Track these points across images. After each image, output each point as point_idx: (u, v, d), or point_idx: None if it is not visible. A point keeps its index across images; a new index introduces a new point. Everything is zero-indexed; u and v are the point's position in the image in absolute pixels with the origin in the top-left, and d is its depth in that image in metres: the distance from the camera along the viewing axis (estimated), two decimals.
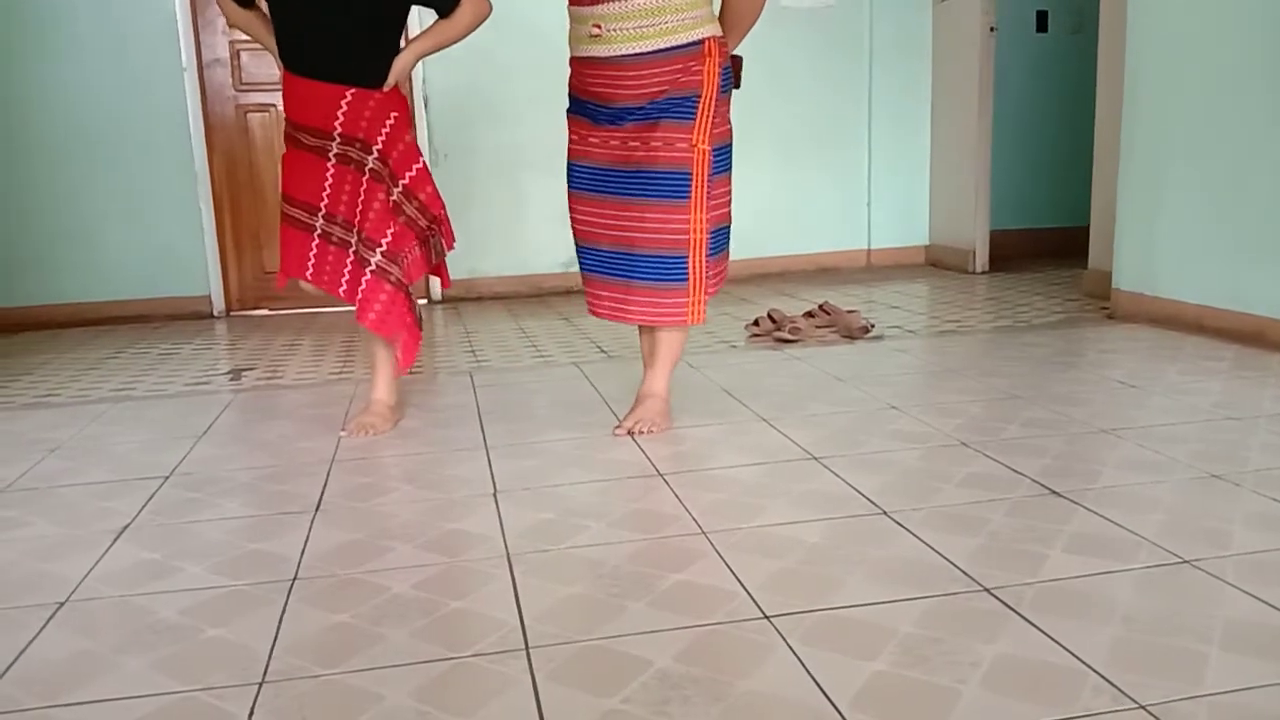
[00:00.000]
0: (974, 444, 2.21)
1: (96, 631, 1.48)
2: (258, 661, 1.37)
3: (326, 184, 2.39)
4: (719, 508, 1.88)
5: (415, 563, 1.69)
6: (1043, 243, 5.66)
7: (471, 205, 4.83)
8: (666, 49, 2.20)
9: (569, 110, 2.42)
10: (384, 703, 1.25)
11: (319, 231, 2.42)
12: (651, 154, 2.24)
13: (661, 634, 1.40)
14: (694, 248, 2.28)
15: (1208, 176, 3.25)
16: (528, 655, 1.35)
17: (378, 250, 2.39)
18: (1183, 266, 3.39)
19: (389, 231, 2.40)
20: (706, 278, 2.33)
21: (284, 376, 3.31)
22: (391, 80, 2.39)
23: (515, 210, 4.95)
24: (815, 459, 2.15)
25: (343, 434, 2.52)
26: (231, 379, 3.31)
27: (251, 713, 1.24)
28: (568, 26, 2.33)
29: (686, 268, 2.28)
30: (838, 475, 2.04)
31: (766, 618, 1.43)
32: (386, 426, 2.54)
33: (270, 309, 4.88)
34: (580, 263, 2.46)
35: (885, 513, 1.82)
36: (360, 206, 2.39)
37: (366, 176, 2.38)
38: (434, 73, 4.72)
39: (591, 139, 2.34)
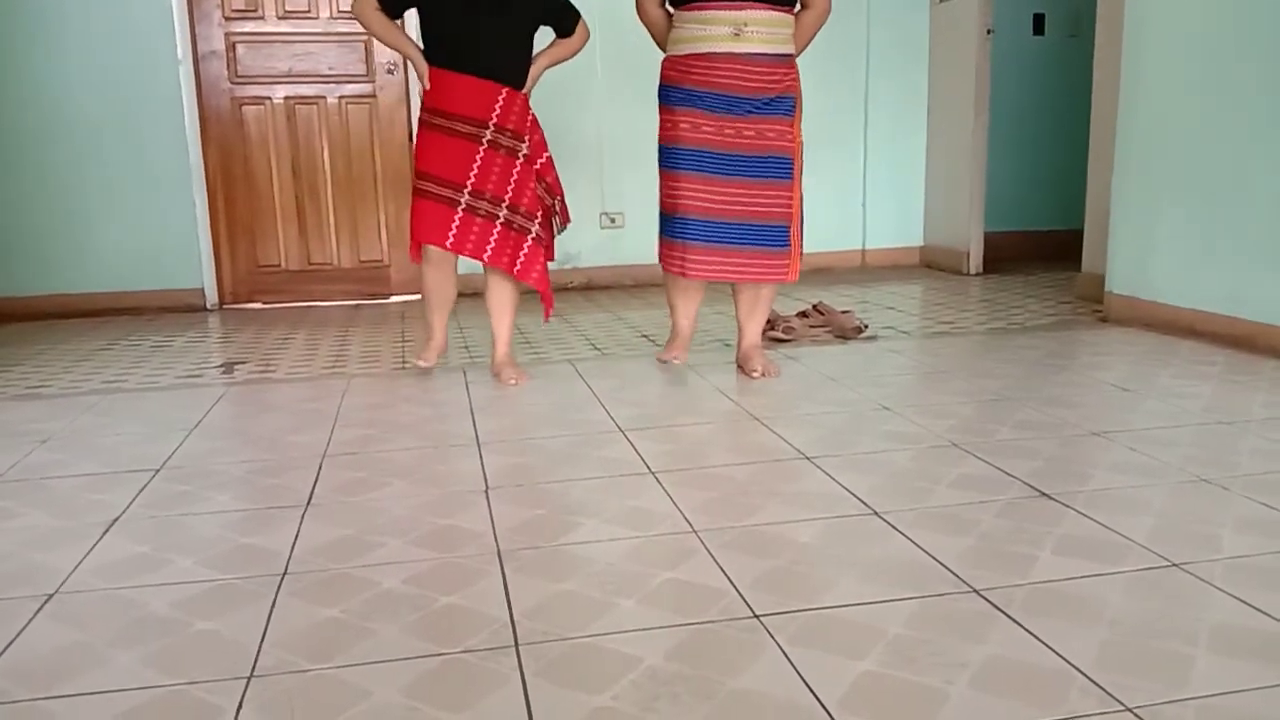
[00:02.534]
0: (965, 445, 2.22)
1: (86, 624, 1.48)
2: (247, 656, 1.37)
3: (475, 164, 2.79)
4: (711, 506, 1.89)
5: (406, 558, 1.69)
6: (1037, 245, 5.68)
7: None
8: (785, 54, 2.74)
9: (674, 101, 2.78)
10: (373, 698, 1.25)
11: (464, 206, 2.80)
12: (767, 143, 2.74)
13: (651, 632, 1.40)
14: (794, 219, 2.81)
15: (1202, 181, 3.26)
16: (517, 652, 1.35)
17: (535, 221, 2.84)
18: (1176, 271, 3.40)
19: (540, 208, 2.86)
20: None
21: (277, 370, 3.30)
22: (530, 84, 2.88)
23: None
24: (807, 459, 2.16)
25: (511, 383, 2.93)
26: (224, 372, 3.30)
27: (240, 707, 1.24)
28: (680, 27, 2.75)
29: (789, 235, 2.80)
30: (829, 475, 2.04)
31: (756, 617, 1.43)
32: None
33: (263, 302, 4.87)
34: (683, 233, 2.81)
35: (876, 513, 1.83)
36: (514, 185, 2.82)
37: (520, 161, 2.82)
38: None
39: (706, 127, 2.75)
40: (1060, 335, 3.46)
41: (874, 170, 5.46)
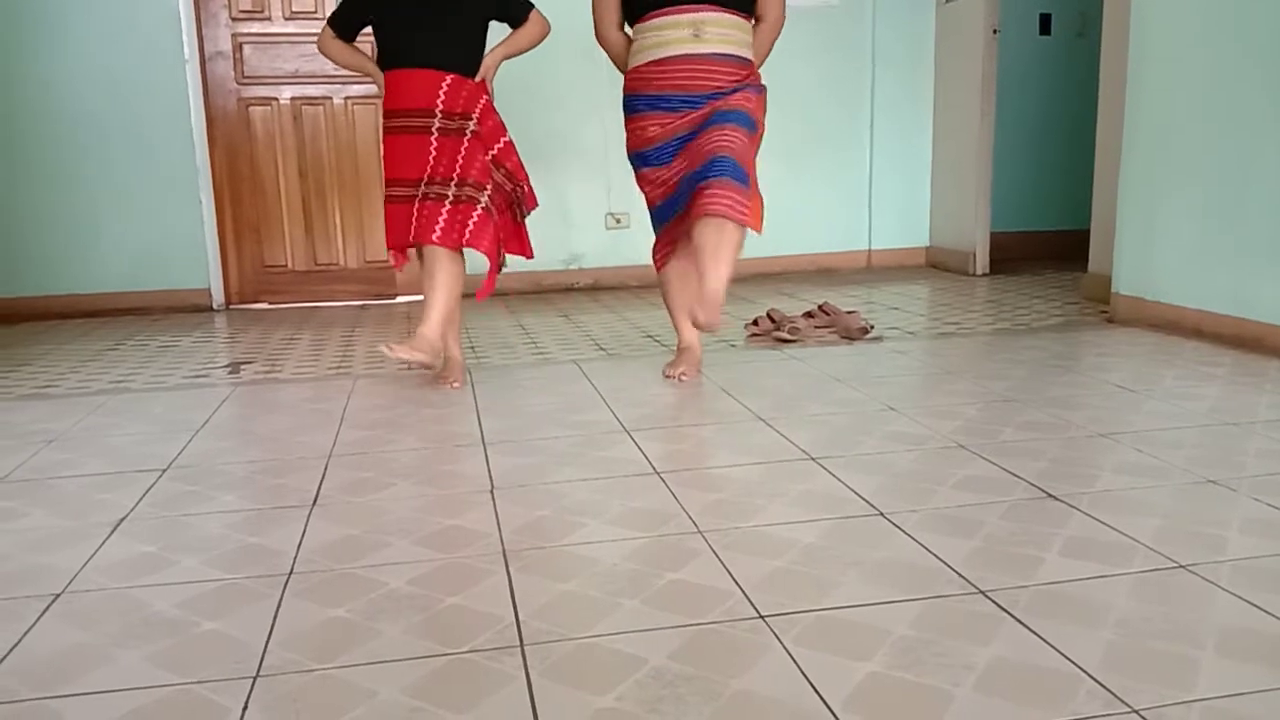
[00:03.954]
0: (971, 446, 2.21)
1: (92, 623, 1.48)
2: (252, 655, 1.37)
3: (430, 155, 2.81)
4: (716, 507, 1.88)
5: (411, 558, 1.69)
6: (1043, 246, 5.67)
7: None
8: (744, 58, 2.80)
9: (639, 109, 2.83)
10: (378, 698, 1.25)
11: (419, 195, 2.80)
12: (729, 104, 2.74)
13: (656, 632, 1.40)
14: (749, 165, 2.72)
15: (1209, 181, 3.25)
16: (522, 652, 1.35)
17: (484, 192, 2.80)
18: (1182, 271, 3.39)
19: (490, 180, 2.83)
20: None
21: (283, 370, 3.31)
22: (482, 72, 2.88)
23: None
24: (812, 459, 2.15)
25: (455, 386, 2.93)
26: (230, 372, 3.31)
27: (246, 706, 1.24)
28: (639, 39, 2.80)
29: (745, 173, 2.67)
30: (835, 476, 2.04)
31: (761, 617, 1.43)
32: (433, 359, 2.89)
33: (270, 302, 4.88)
34: (661, 219, 2.91)
35: (882, 514, 1.83)
36: (462, 161, 2.79)
37: (468, 138, 2.81)
38: None
39: (672, 125, 2.79)
40: (1066, 336, 3.45)
41: (879, 170, 5.45)
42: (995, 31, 4.91)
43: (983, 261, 5.13)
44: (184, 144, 4.62)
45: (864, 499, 1.91)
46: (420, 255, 2.87)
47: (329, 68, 4.73)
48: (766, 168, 5.12)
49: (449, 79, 2.81)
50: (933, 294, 4.58)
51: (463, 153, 2.80)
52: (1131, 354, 3.11)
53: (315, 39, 4.73)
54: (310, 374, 3.24)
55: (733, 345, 3.46)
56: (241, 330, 4.19)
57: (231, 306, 4.84)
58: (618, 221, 5.09)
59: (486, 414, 2.63)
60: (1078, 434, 2.29)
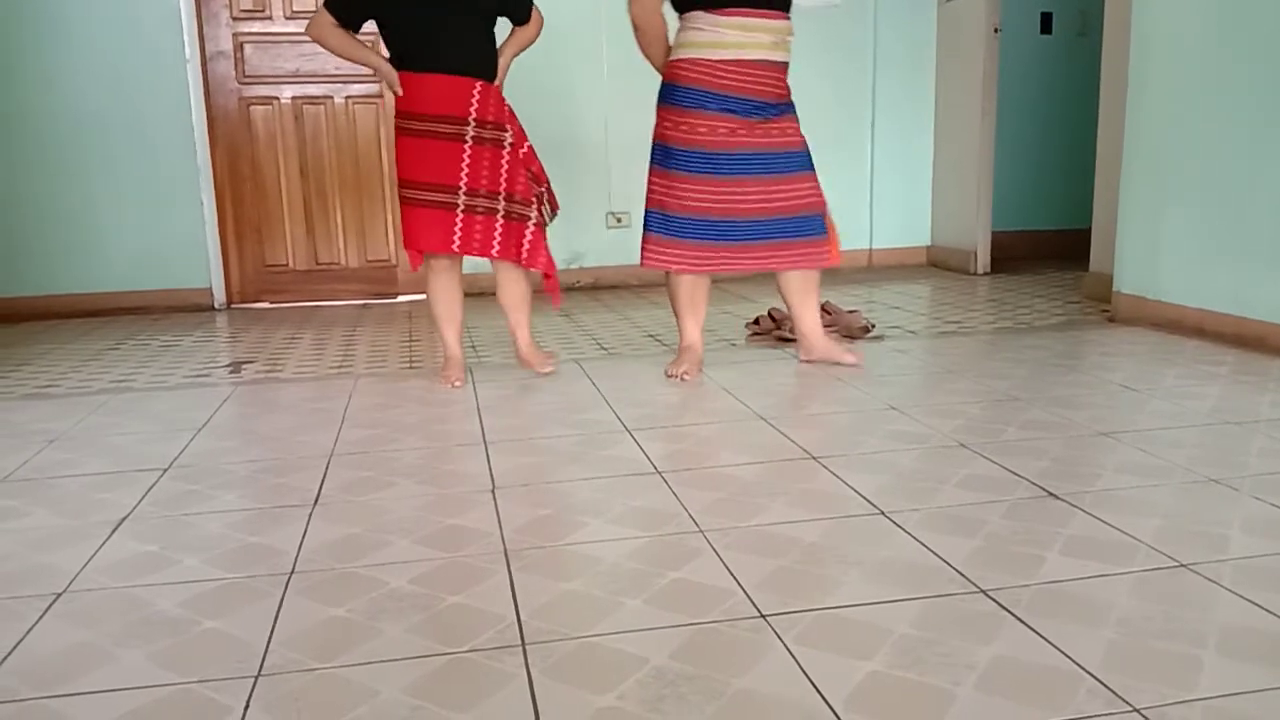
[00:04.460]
0: (973, 445, 2.21)
1: (94, 623, 1.48)
2: (254, 655, 1.37)
3: (464, 164, 2.79)
4: (717, 506, 1.88)
5: (413, 558, 1.69)
6: (1045, 245, 5.66)
7: None
8: (788, 63, 2.89)
9: (697, 104, 2.77)
10: (379, 697, 1.25)
11: (463, 206, 2.80)
12: (786, 139, 2.86)
13: (658, 631, 1.40)
14: (825, 205, 2.95)
15: (1210, 180, 3.25)
16: (524, 651, 1.35)
17: (532, 208, 2.85)
18: (1184, 270, 3.39)
19: (533, 194, 2.87)
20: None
21: (284, 370, 3.31)
22: (501, 76, 2.87)
23: None
24: (814, 458, 2.15)
25: (549, 369, 3.02)
26: (231, 372, 3.31)
27: (247, 706, 1.24)
28: (711, 31, 2.74)
29: (825, 222, 2.92)
30: (836, 475, 2.04)
31: (763, 616, 1.43)
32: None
33: (271, 302, 4.88)
34: (691, 232, 2.85)
35: (883, 513, 1.83)
36: (505, 176, 2.82)
37: (506, 150, 2.82)
38: None
39: (722, 128, 2.78)
40: (1068, 335, 3.45)
41: (881, 170, 5.45)
42: (996, 30, 4.90)
43: (984, 260, 5.13)
44: (185, 143, 4.63)
45: (865, 498, 1.90)
46: (431, 268, 2.93)
47: (330, 67, 4.73)
48: None
49: (479, 86, 2.78)
50: (934, 293, 4.58)
51: (505, 166, 2.82)
52: (1133, 353, 3.11)
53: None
54: (311, 373, 3.24)
55: (734, 344, 3.46)
56: (243, 330, 4.19)
57: (233, 306, 4.84)
58: (618, 221, 5.09)
59: (488, 413, 2.63)
60: (1079, 433, 2.28)
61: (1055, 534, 1.70)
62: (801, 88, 5.16)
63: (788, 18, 2.80)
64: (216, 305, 4.79)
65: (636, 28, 2.84)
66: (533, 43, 2.97)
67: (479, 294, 4.88)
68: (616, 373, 3.07)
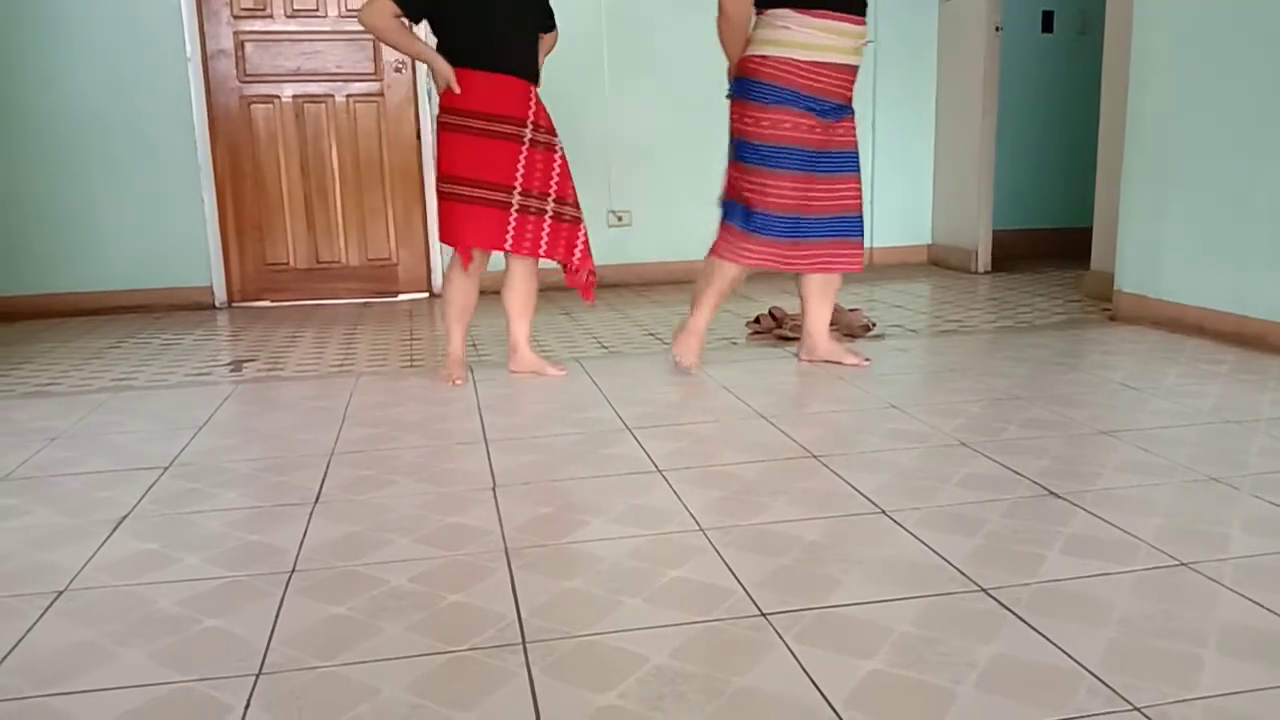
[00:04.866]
0: (973, 444, 2.21)
1: (94, 621, 1.48)
2: (255, 653, 1.37)
3: (519, 165, 2.82)
4: (718, 505, 1.88)
5: (413, 556, 1.69)
6: (1045, 243, 5.66)
7: None
8: (859, 67, 2.93)
9: (771, 100, 2.78)
10: (380, 695, 1.25)
11: (516, 206, 2.83)
12: (846, 139, 2.90)
13: (658, 630, 1.40)
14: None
15: (1211, 179, 3.25)
16: (524, 650, 1.35)
17: (580, 213, 2.94)
18: (1185, 269, 3.38)
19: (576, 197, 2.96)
20: None
21: (285, 368, 3.31)
22: (540, 80, 2.93)
23: None
24: (814, 457, 2.15)
25: (561, 372, 3.05)
26: (232, 370, 3.31)
27: (248, 704, 1.24)
28: (800, 33, 2.73)
29: (862, 224, 2.99)
30: (837, 474, 2.04)
31: (763, 615, 1.43)
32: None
33: (272, 300, 4.88)
34: (768, 228, 2.85)
35: (884, 512, 1.83)
36: (558, 180, 2.89)
37: (558, 155, 2.89)
38: None
39: (805, 125, 2.80)
40: (1068, 334, 3.45)
41: (882, 168, 5.45)
42: (997, 29, 4.90)
43: (984, 259, 5.13)
44: (186, 142, 4.63)
45: (866, 497, 1.91)
46: (458, 265, 2.94)
47: (331, 65, 4.73)
48: None
49: (533, 90, 2.84)
50: (934, 292, 4.58)
51: (557, 171, 2.87)
52: (1134, 351, 3.11)
53: (316, 36, 4.74)
54: (312, 372, 3.24)
55: (734, 343, 3.46)
56: (243, 328, 4.19)
57: (233, 304, 4.84)
58: (619, 220, 5.08)
59: (488, 411, 2.63)
60: (1080, 432, 2.28)
61: (1056, 533, 1.70)
62: None
63: (865, 23, 2.84)
64: (217, 304, 4.79)
65: (724, 14, 2.77)
66: (550, 52, 3.05)
67: (480, 292, 4.88)
68: (617, 371, 3.07)
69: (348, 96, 4.80)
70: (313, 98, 4.78)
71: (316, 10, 4.69)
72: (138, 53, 4.52)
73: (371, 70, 4.79)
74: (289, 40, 4.70)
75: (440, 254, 4.90)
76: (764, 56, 2.77)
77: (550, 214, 2.87)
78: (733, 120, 2.88)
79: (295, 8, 4.68)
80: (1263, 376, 2.74)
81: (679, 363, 3.01)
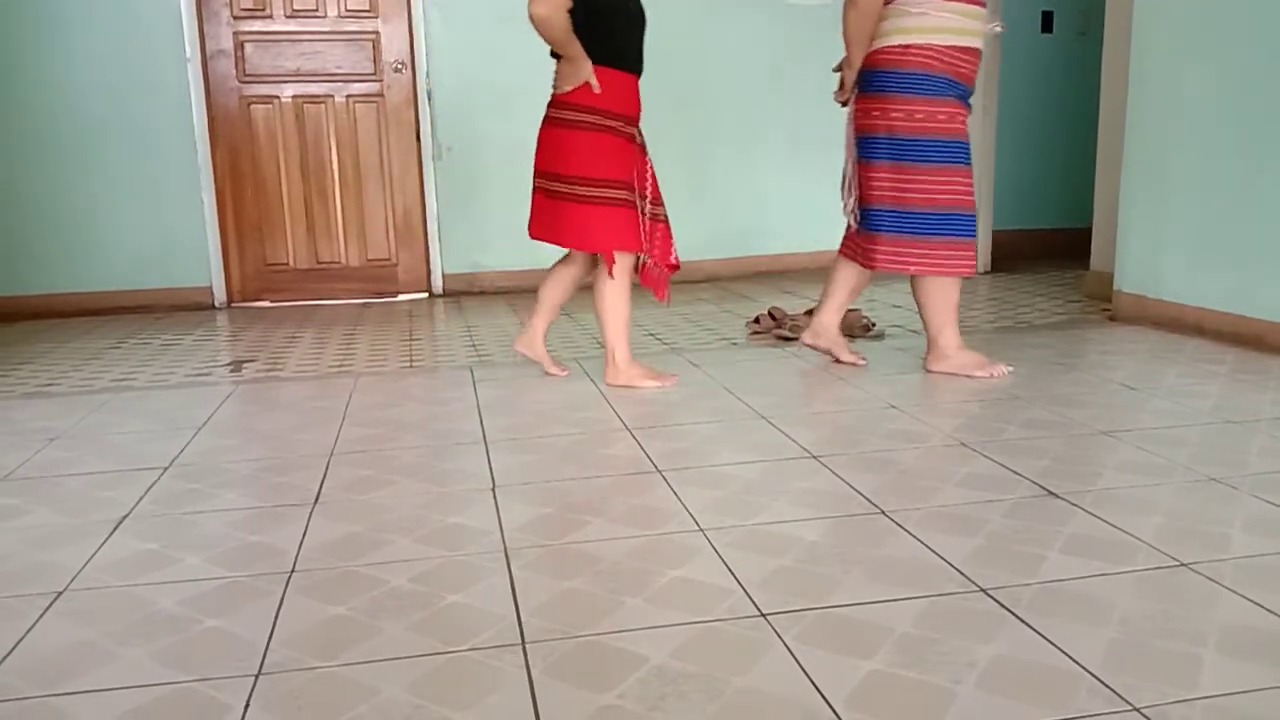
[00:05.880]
0: (973, 444, 2.21)
1: (94, 621, 1.48)
2: (255, 653, 1.37)
3: (635, 166, 2.79)
4: (717, 505, 1.88)
5: (413, 556, 1.69)
6: (1045, 244, 5.66)
7: (474, 199, 4.83)
8: None
9: (932, 92, 2.68)
10: (380, 695, 1.25)
11: (647, 213, 2.81)
12: (963, 127, 2.75)
13: (658, 630, 1.40)
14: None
15: (1211, 180, 3.25)
16: (524, 650, 1.35)
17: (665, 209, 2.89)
18: (1185, 269, 3.38)
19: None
20: None
21: (285, 368, 3.31)
22: None
23: (518, 204, 4.88)
24: (814, 457, 2.15)
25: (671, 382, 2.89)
26: (232, 370, 3.31)
27: (248, 704, 1.24)
28: (937, 17, 2.64)
29: (975, 223, 2.79)
30: (836, 474, 2.04)
31: (763, 615, 1.43)
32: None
33: (271, 300, 4.88)
34: (936, 229, 2.73)
35: (884, 512, 1.83)
36: (653, 182, 2.84)
37: (649, 158, 2.85)
38: (437, 65, 4.71)
39: (958, 115, 2.73)
40: (1068, 334, 3.45)
41: None
42: (997, 29, 4.89)
43: (984, 259, 5.13)
44: (186, 142, 4.63)
45: (866, 497, 1.90)
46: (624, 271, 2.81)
47: (330, 66, 4.73)
48: (768, 164, 5.15)
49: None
50: None
51: (650, 172, 2.84)
52: (1134, 352, 3.11)
53: (316, 37, 4.74)
54: (312, 372, 3.24)
55: (734, 343, 3.46)
56: (243, 328, 4.19)
57: (233, 305, 4.84)
58: None
59: (488, 411, 2.63)
60: (1080, 432, 2.28)
61: (1056, 533, 1.70)
62: (802, 84, 5.21)
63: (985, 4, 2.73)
64: (217, 304, 4.79)
65: (855, 3, 2.65)
66: None
67: (479, 292, 4.88)
68: None
69: (348, 97, 4.80)
70: (312, 98, 4.78)
71: (316, 10, 4.69)
72: (137, 53, 4.52)
73: (371, 71, 4.79)
74: (289, 40, 4.70)
75: (440, 254, 4.89)
76: (906, 46, 2.64)
77: (648, 215, 2.82)
78: (872, 118, 2.72)
79: (295, 8, 4.68)
80: (1263, 376, 2.74)
81: (994, 374, 2.81)
